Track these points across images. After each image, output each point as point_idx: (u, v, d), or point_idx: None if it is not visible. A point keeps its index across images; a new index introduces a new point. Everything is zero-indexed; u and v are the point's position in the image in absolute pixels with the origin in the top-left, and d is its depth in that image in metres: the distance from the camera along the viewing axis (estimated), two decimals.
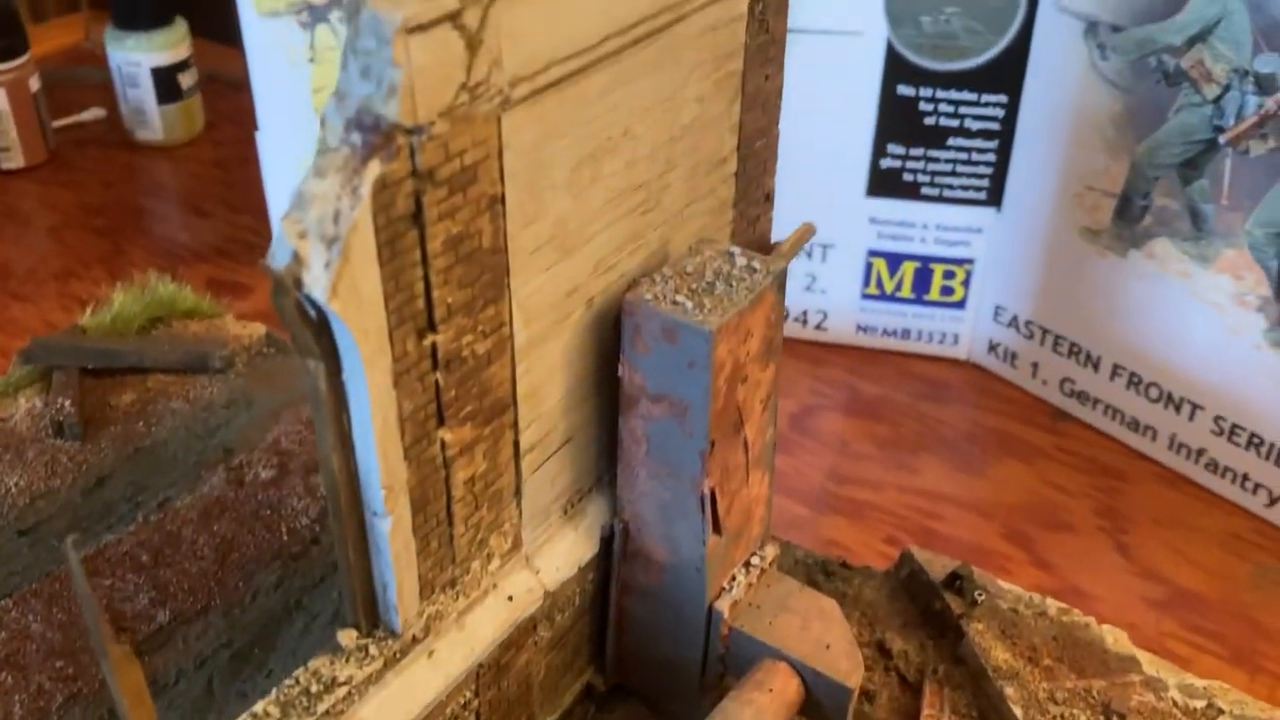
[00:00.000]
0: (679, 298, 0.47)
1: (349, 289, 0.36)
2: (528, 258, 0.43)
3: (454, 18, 0.35)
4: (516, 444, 0.47)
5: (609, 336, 0.49)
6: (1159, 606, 0.80)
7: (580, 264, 0.46)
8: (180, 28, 1.28)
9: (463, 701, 0.49)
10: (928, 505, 0.88)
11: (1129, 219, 0.86)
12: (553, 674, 0.55)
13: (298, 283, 0.35)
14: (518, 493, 0.48)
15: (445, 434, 0.42)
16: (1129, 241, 0.86)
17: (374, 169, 0.35)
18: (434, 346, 0.40)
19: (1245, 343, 0.82)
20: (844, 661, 0.53)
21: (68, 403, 0.75)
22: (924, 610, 0.63)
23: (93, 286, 1.09)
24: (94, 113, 1.37)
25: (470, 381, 0.42)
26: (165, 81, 1.29)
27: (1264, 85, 0.75)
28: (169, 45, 1.27)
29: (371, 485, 0.41)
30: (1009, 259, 0.95)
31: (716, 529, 0.52)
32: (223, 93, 1.38)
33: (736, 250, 0.49)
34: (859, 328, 1.02)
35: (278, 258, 0.35)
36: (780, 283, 0.49)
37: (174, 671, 0.61)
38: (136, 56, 1.26)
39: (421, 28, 0.34)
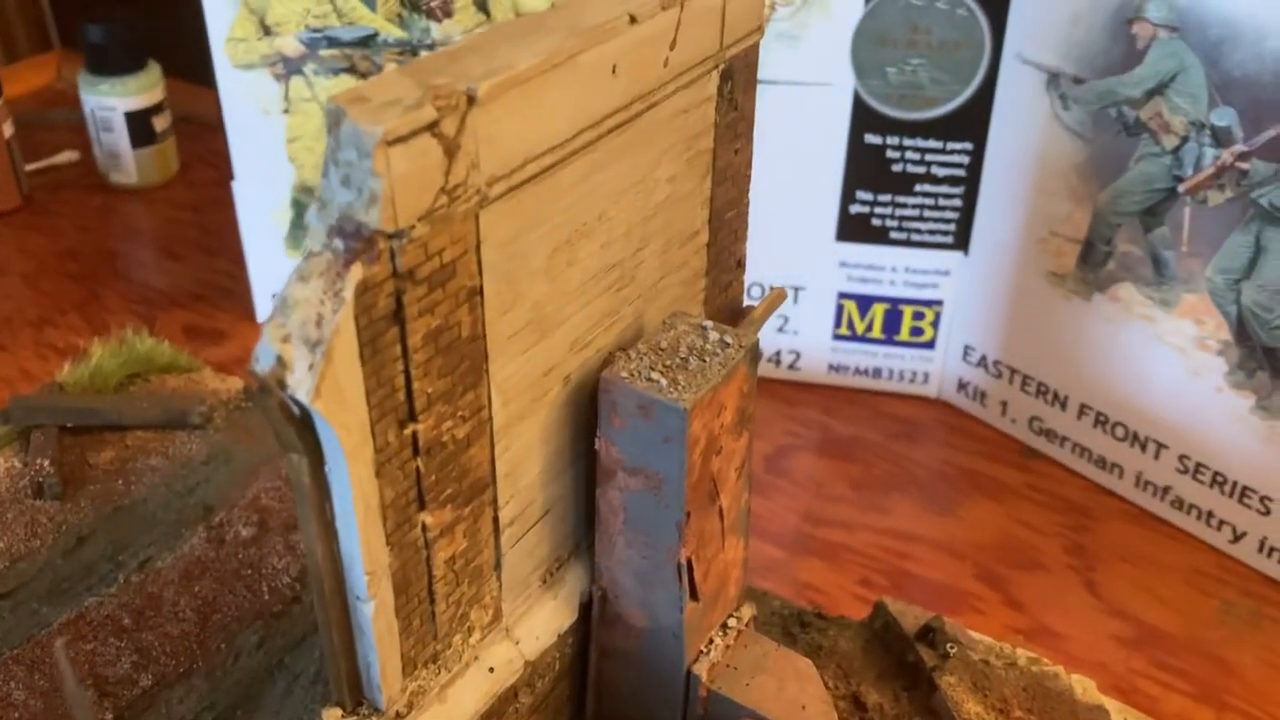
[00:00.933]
0: (654, 374, 0.48)
1: (332, 389, 0.36)
2: (505, 342, 0.44)
3: (432, 127, 0.36)
4: (496, 520, 0.48)
5: (586, 410, 0.50)
6: (1128, 645, 0.82)
7: (557, 344, 0.47)
8: (154, 71, 1.28)
9: None
10: (901, 546, 0.89)
11: (1093, 264, 0.88)
12: None
13: (281, 384, 0.36)
14: (498, 566, 0.49)
15: (426, 517, 0.43)
16: (1093, 285, 0.88)
17: (356, 273, 0.36)
18: (415, 435, 0.41)
19: (1207, 385, 0.84)
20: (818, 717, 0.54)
21: (46, 463, 0.75)
22: (898, 662, 0.64)
23: (69, 334, 1.10)
24: (67, 156, 1.38)
25: (450, 465, 0.43)
26: (139, 125, 1.29)
27: (1220, 138, 0.77)
28: (143, 89, 1.27)
29: (354, 571, 0.42)
30: (977, 301, 0.97)
31: (694, 595, 0.53)
32: (197, 133, 1.39)
33: (709, 324, 0.51)
34: (831, 367, 1.04)
35: (261, 361, 0.36)
36: (753, 355, 0.51)
37: None
38: (110, 101, 1.26)
39: (401, 139, 0.35)
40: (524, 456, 0.48)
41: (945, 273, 0.97)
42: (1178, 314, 0.84)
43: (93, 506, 0.75)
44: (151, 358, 0.85)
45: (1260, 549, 0.87)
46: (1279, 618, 0.85)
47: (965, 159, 0.92)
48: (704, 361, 0.49)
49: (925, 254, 0.97)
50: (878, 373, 1.03)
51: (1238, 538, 0.88)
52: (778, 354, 1.04)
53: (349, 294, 0.36)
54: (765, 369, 1.05)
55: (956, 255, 0.96)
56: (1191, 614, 0.85)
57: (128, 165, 1.31)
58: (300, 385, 0.36)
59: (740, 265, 0.59)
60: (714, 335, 0.50)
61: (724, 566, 0.55)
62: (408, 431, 0.41)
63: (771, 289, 0.60)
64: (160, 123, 1.31)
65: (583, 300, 0.47)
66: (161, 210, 1.32)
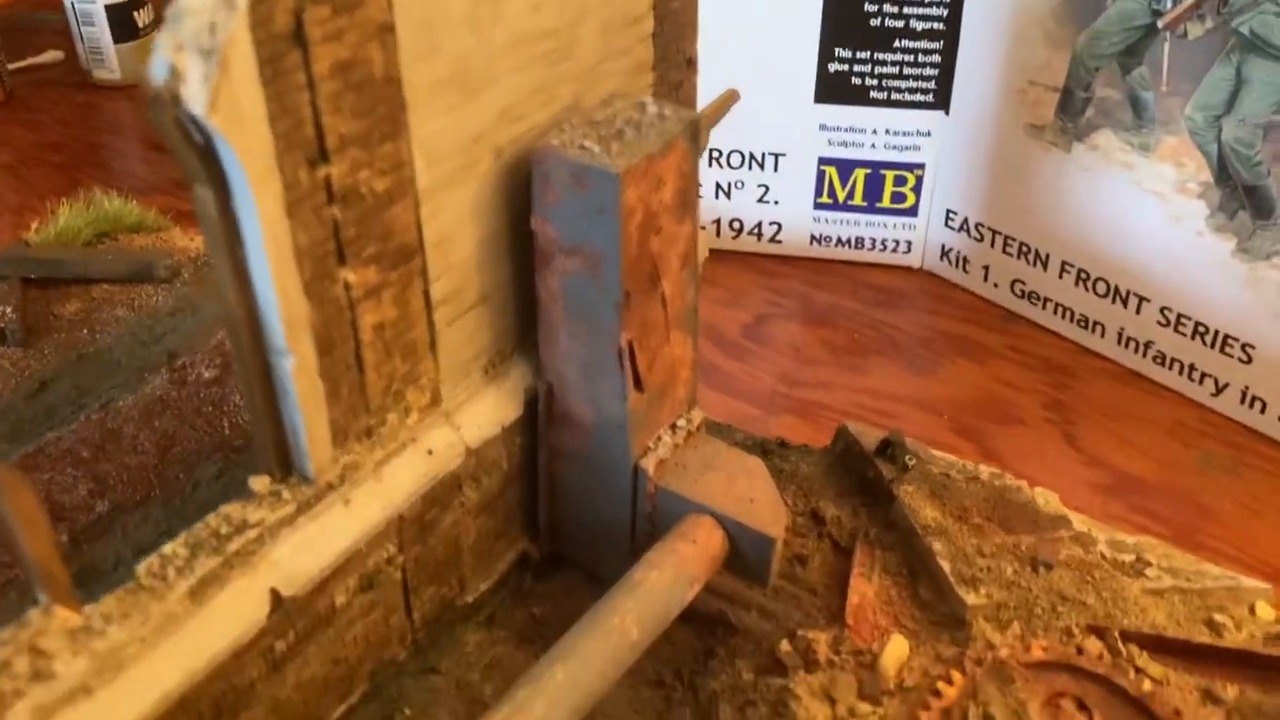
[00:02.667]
0: (587, 143, 0.47)
1: (229, 104, 0.36)
2: (426, 95, 0.43)
3: None
4: (427, 294, 0.47)
5: (522, 193, 0.49)
6: (1105, 491, 0.81)
7: (485, 109, 0.46)
8: None
9: (386, 556, 0.49)
10: (877, 403, 0.88)
11: (1071, 112, 0.86)
12: (484, 539, 0.56)
13: (175, 98, 0.35)
14: (433, 346, 0.48)
15: (349, 274, 0.43)
16: (1072, 135, 0.86)
17: None
18: (328, 180, 0.40)
19: (1188, 230, 0.83)
20: (767, 514, 0.53)
21: (9, 309, 0.75)
22: (858, 480, 0.64)
23: (48, 218, 1.09)
24: (51, 55, 1.37)
25: (371, 221, 0.43)
26: (121, 19, 1.28)
27: None
28: None
29: (271, 321, 0.41)
30: (958, 161, 0.95)
31: (638, 385, 0.52)
32: None
33: (649, 100, 0.49)
34: (813, 238, 1.02)
35: (156, 72, 0.35)
36: (693, 132, 0.49)
37: (113, 559, 0.61)
38: None
39: None
40: (455, 229, 0.47)
41: (926, 134, 0.95)
42: (1157, 158, 0.82)
43: (56, 354, 0.75)
44: (119, 217, 0.84)
45: (1242, 400, 0.85)
46: (1260, 466, 0.84)
47: (943, 10, 0.90)
48: (640, 133, 0.48)
49: (906, 114, 0.95)
50: (860, 243, 1.02)
51: (1220, 390, 0.86)
52: (759, 226, 1.02)
53: (242, 2, 0.35)
54: (746, 242, 1.04)
55: (937, 115, 0.94)
56: (1171, 464, 0.84)
57: (110, 61, 1.30)
58: (194, 98, 0.35)
59: (691, 65, 0.58)
60: (652, 109, 0.49)
61: (670, 362, 0.54)
62: (320, 173, 0.40)
63: (725, 91, 0.58)
64: (143, 17, 1.30)
65: (512, 64, 0.46)
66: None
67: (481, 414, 0.52)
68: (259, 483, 0.45)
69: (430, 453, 0.49)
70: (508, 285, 0.51)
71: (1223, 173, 0.80)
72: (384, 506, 0.48)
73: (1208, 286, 0.83)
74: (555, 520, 0.58)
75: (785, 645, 0.55)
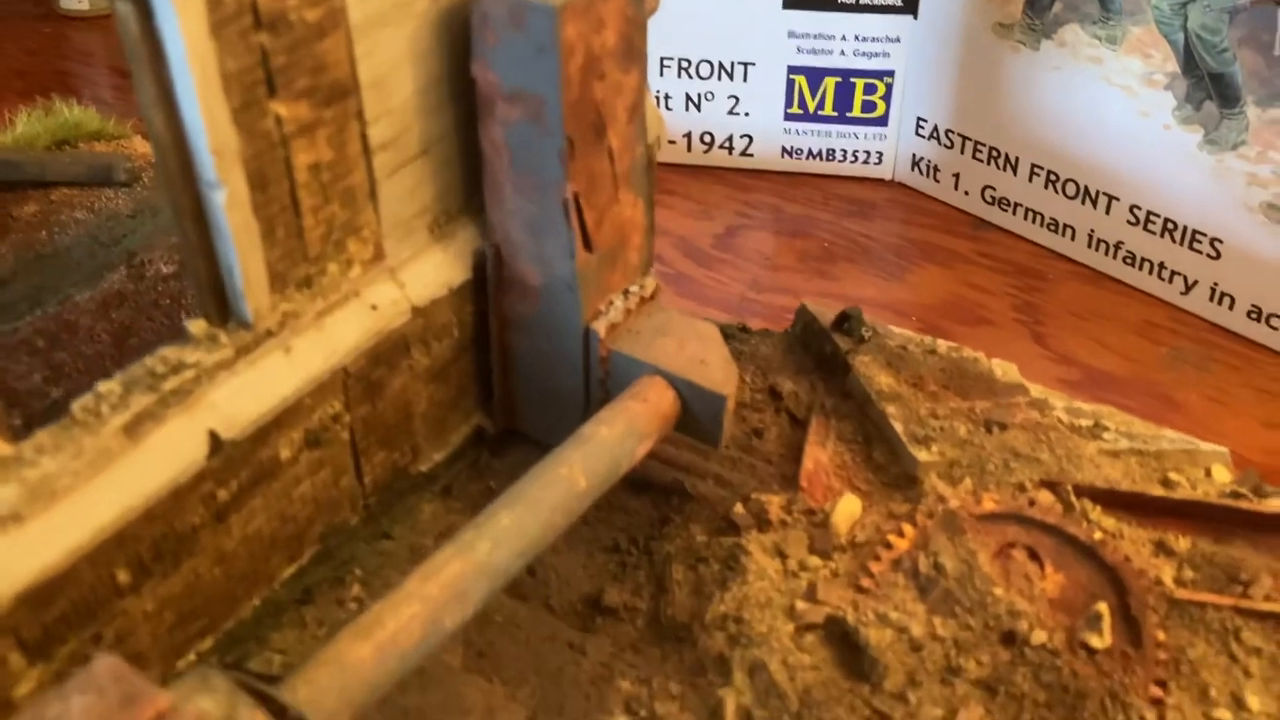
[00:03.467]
0: None
1: None
2: None
3: None
4: (365, 138, 0.46)
5: (462, 39, 0.48)
6: (1072, 386, 0.81)
7: None
8: None
9: (332, 413, 0.49)
10: (845, 306, 0.88)
11: (1039, 8, 0.85)
12: (437, 408, 0.55)
13: None
14: (373, 196, 0.48)
15: (279, 108, 0.42)
16: (1040, 32, 0.86)
17: None
18: (254, 2, 0.40)
19: (1155, 124, 0.82)
20: (719, 374, 0.53)
21: None
22: (816, 356, 0.63)
23: (6, 125, 1.08)
24: None
25: (302, 51, 0.42)
26: None
27: None
28: None
29: (200, 149, 0.40)
30: (927, 67, 0.94)
31: (586, 244, 0.52)
32: None
33: None
34: (784, 151, 1.02)
35: None
36: None
37: None
38: None
39: None
40: (392, 71, 0.46)
41: (895, 39, 0.94)
42: (1125, 50, 0.82)
43: (13, 254, 0.74)
44: (80, 124, 0.83)
45: (1211, 297, 0.85)
46: (1228, 361, 0.84)
47: None
48: None
49: (874, 19, 0.94)
50: (831, 154, 1.01)
51: (1189, 288, 0.86)
52: (730, 139, 1.01)
53: None
54: (718, 156, 1.03)
55: (906, 20, 0.93)
56: (1140, 360, 0.83)
57: None
58: None
59: None
60: None
61: (620, 223, 0.53)
62: None
63: None
64: None
65: None
66: (115, 39, 1.29)
67: (427, 273, 0.51)
68: (196, 326, 0.45)
69: (374, 308, 0.49)
70: (451, 139, 0.51)
71: (1189, 62, 0.79)
72: (326, 358, 0.47)
73: (1176, 180, 0.83)
74: (509, 392, 0.58)
75: (739, 508, 0.55)
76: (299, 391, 0.46)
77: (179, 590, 0.45)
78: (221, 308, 0.45)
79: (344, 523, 0.53)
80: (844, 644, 0.48)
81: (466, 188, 0.53)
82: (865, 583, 0.50)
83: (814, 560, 0.51)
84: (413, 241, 0.51)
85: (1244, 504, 0.53)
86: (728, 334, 0.68)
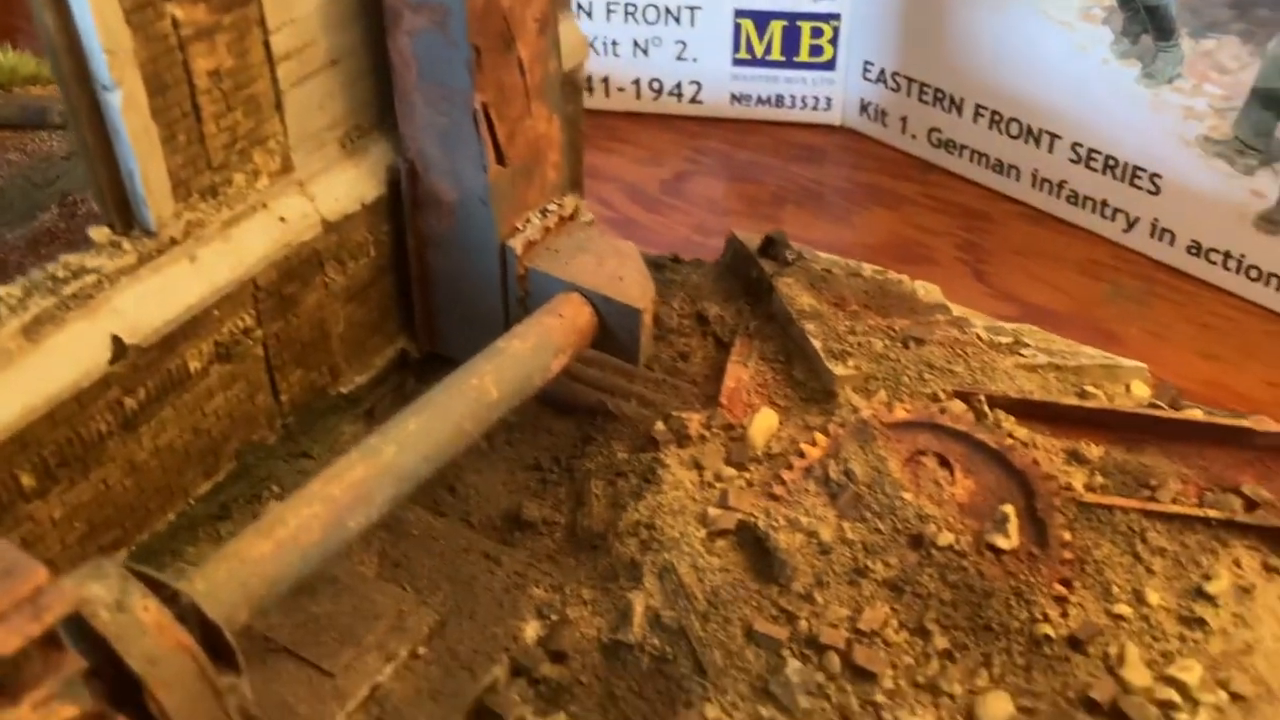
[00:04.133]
0: None
1: None
2: None
3: None
4: (268, 46, 0.46)
5: None
6: (1013, 322, 0.81)
7: None
8: None
9: (243, 326, 0.49)
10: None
11: None
12: (356, 329, 0.56)
13: None
14: (279, 106, 0.48)
15: (175, 9, 0.42)
16: None
17: None
18: None
19: (1093, 59, 0.82)
20: (635, 289, 0.53)
21: None
22: (744, 282, 0.64)
23: None
24: None
25: None
26: None
27: None
28: None
29: (93, 50, 0.40)
30: (873, 9, 0.94)
31: (499, 157, 0.52)
32: None
33: None
34: (733, 98, 1.01)
35: None
36: None
37: None
38: None
39: None
40: None
41: None
42: None
43: None
44: (16, 69, 0.83)
45: (1152, 233, 0.85)
46: (1168, 296, 0.84)
47: None
48: None
49: None
50: (780, 100, 1.01)
51: (1131, 225, 0.86)
52: (679, 86, 1.01)
53: None
54: (667, 103, 1.03)
55: None
56: (1081, 296, 0.84)
57: None
58: None
59: None
60: None
61: (534, 138, 0.53)
62: None
63: None
64: None
65: None
66: None
67: (339, 187, 0.51)
68: (99, 233, 0.45)
69: (283, 220, 0.49)
70: (362, 53, 0.51)
71: None
72: (233, 268, 0.47)
73: (1115, 116, 0.83)
74: (431, 314, 0.58)
75: (660, 425, 0.55)
76: (205, 301, 0.46)
77: (88, 499, 0.45)
78: (124, 214, 0.45)
79: (261, 440, 0.53)
80: (754, 548, 0.49)
81: (380, 103, 0.53)
82: (777, 490, 0.50)
83: (729, 471, 0.52)
84: (323, 155, 0.51)
85: (1156, 412, 0.54)
86: (659, 264, 0.68)
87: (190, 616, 0.37)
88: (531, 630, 0.47)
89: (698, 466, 0.52)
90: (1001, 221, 0.91)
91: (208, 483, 0.51)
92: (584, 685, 0.46)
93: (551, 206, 0.56)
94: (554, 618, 0.48)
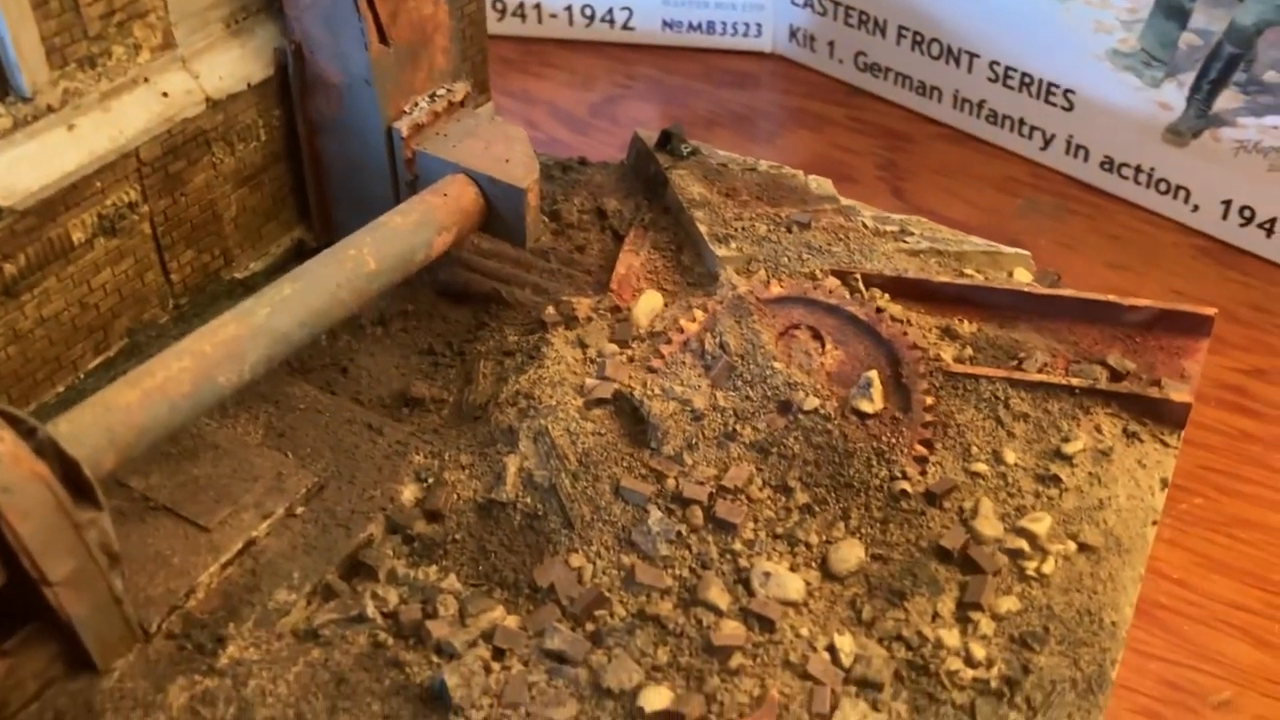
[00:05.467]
0: None
1: None
2: None
3: None
4: None
5: None
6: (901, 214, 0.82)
7: None
8: None
9: (128, 200, 0.50)
10: None
11: None
12: (250, 216, 0.56)
13: None
14: None
15: None
16: None
17: None
18: None
19: None
20: (520, 170, 0.54)
21: None
22: (645, 180, 0.65)
23: None
24: None
25: None
26: None
27: None
28: None
29: None
30: None
31: (381, 36, 0.52)
32: None
33: None
34: (665, 24, 1.02)
35: None
36: None
37: None
38: None
39: None
40: None
41: None
42: None
43: None
44: None
45: (1067, 150, 0.87)
46: (1079, 211, 0.86)
47: None
48: None
49: None
50: (711, 27, 1.02)
51: (1047, 143, 0.88)
52: (610, 12, 1.02)
53: None
54: (599, 30, 1.03)
55: None
56: (995, 210, 0.85)
57: None
58: None
59: None
60: None
61: (419, 20, 0.54)
62: None
63: None
64: None
65: None
66: None
67: (224, 66, 0.52)
68: None
69: (165, 95, 0.50)
70: None
71: None
72: (113, 139, 0.48)
73: (1029, 32, 0.84)
74: (325, 203, 0.59)
75: (550, 310, 0.56)
76: (83, 169, 0.47)
77: None
78: (0, 82, 0.45)
79: (153, 319, 0.54)
80: (629, 416, 0.50)
81: None
82: (655, 363, 0.52)
83: (612, 348, 0.53)
84: (207, 33, 0.52)
85: (1027, 288, 0.55)
86: (566, 166, 0.69)
87: (48, 451, 0.38)
88: (409, 493, 0.49)
89: (582, 345, 0.54)
90: (923, 143, 0.93)
91: (98, 358, 0.52)
92: (457, 542, 0.47)
93: (440, 91, 0.56)
94: (431, 481, 0.49)
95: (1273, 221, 0.79)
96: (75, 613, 0.39)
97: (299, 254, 0.60)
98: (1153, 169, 0.84)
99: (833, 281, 0.54)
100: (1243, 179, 0.79)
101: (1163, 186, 0.84)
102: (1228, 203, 0.81)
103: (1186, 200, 0.83)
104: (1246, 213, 0.80)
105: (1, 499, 0.37)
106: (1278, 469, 0.67)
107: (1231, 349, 0.75)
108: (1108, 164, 0.85)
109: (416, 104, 0.55)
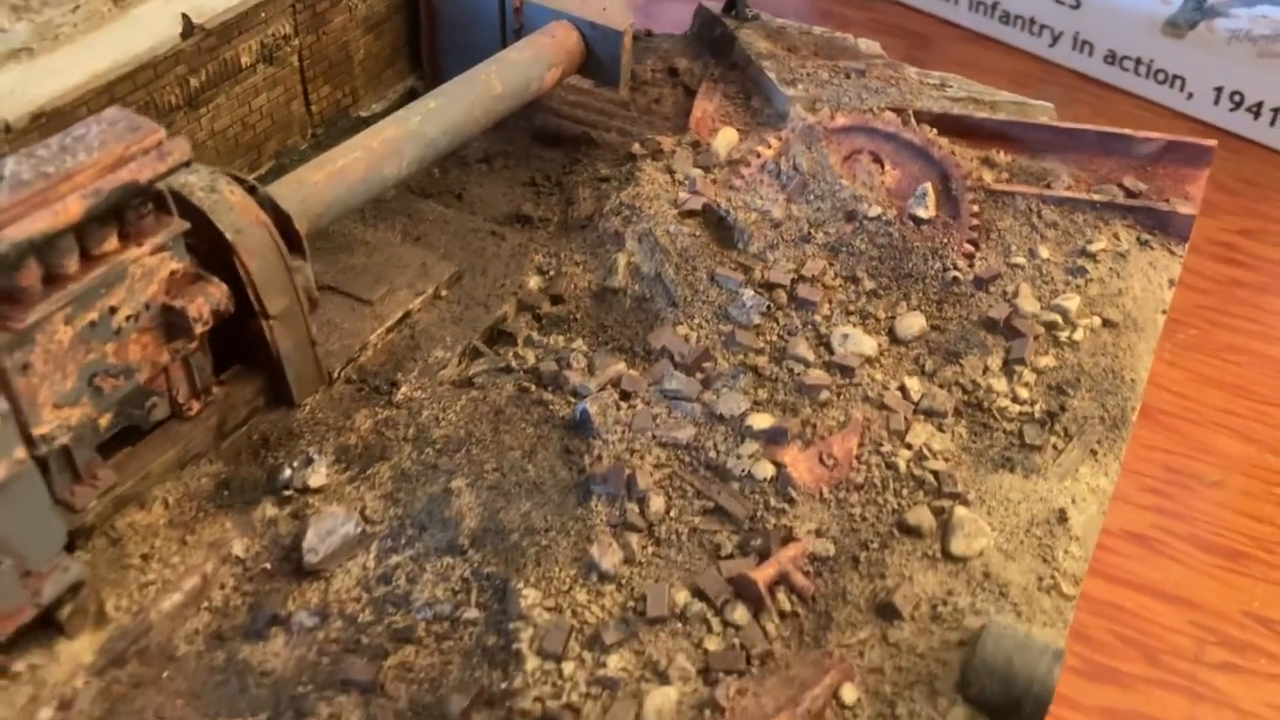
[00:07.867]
0: None
1: None
2: None
3: None
4: None
5: None
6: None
7: None
8: None
9: (284, 33, 0.57)
10: None
11: None
12: (374, 61, 0.64)
13: None
14: None
15: None
16: None
17: None
18: None
19: None
20: (617, 15, 0.62)
21: None
22: (710, 44, 0.73)
23: None
24: None
25: None
26: None
27: None
28: None
29: None
30: None
31: None
32: None
33: None
34: None
35: None
36: None
37: None
38: None
39: None
40: None
41: None
42: None
43: None
44: None
45: (1074, 45, 0.95)
46: (1085, 100, 0.94)
47: None
48: None
49: None
50: None
51: (1055, 40, 0.96)
52: None
53: None
54: None
55: None
56: None
57: None
58: None
59: None
60: None
61: None
62: None
63: None
64: None
65: None
66: None
67: None
68: None
69: None
70: None
71: None
72: None
73: None
74: (437, 54, 0.67)
75: (637, 146, 0.64)
76: None
77: None
78: None
79: (294, 146, 0.61)
80: (718, 225, 0.58)
81: None
82: (737, 182, 0.60)
83: (697, 172, 0.61)
84: None
85: (1055, 123, 0.64)
86: (635, 36, 0.76)
87: (267, 205, 0.46)
88: (534, 283, 0.57)
89: (670, 171, 0.62)
90: (942, 42, 1.01)
91: (251, 174, 0.60)
92: (578, 320, 0.55)
93: None
94: (552, 274, 0.57)
95: (1259, 105, 0.88)
96: (283, 347, 0.47)
97: (412, 99, 0.68)
98: (1152, 60, 0.92)
99: (890, 115, 0.62)
100: (1233, 66, 0.88)
101: (1160, 77, 0.92)
102: (1219, 89, 0.90)
103: (1182, 89, 0.92)
104: (1236, 98, 0.89)
105: (236, 239, 0.45)
106: (1262, 307, 0.76)
107: (1224, 214, 0.84)
108: (1110, 57, 0.94)
109: None
